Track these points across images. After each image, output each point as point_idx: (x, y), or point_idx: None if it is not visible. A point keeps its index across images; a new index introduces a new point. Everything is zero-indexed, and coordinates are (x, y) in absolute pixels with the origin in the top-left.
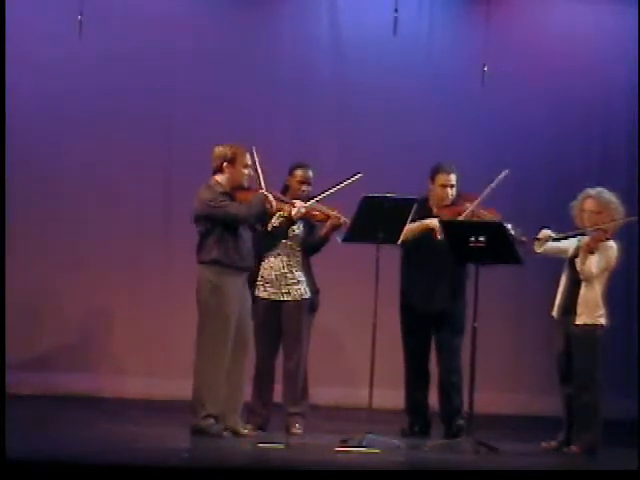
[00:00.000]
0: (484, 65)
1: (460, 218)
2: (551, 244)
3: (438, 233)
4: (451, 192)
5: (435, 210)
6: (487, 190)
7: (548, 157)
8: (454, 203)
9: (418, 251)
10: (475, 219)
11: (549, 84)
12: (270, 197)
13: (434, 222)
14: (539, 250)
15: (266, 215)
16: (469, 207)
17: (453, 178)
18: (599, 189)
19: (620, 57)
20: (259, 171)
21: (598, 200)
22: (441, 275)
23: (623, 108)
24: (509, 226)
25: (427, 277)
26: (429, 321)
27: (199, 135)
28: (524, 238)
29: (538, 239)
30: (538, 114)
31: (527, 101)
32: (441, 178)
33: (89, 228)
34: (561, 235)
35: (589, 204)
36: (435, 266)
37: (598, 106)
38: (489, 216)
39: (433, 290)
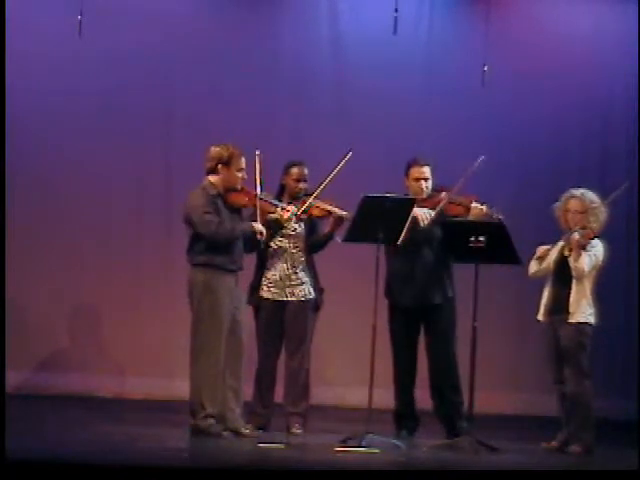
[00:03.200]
0: (484, 65)
1: (438, 208)
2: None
3: (421, 220)
4: (425, 184)
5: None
6: (461, 180)
7: (548, 157)
8: (431, 196)
9: (402, 243)
10: (464, 216)
11: (549, 84)
12: (260, 228)
13: (416, 211)
14: (538, 268)
15: (253, 242)
16: (444, 197)
17: (426, 170)
18: (582, 190)
19: (620, 57)
20: (258, 175)
21: (582, 200)
22: (427, 267)
23: (623, 108)
24: (483, 206)
25: (412, 270)
26: (417, 316)
27: (199, 135)
28: (500, 216)
29: (540, 257)
30: (538, 114)
31: (527, 101)
32: (414, 171)
33: (89, 228)
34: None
35: (573, 204)
36: (420, 258)
37: (598, 105)
38: (464, 202)
39: (419, 283)
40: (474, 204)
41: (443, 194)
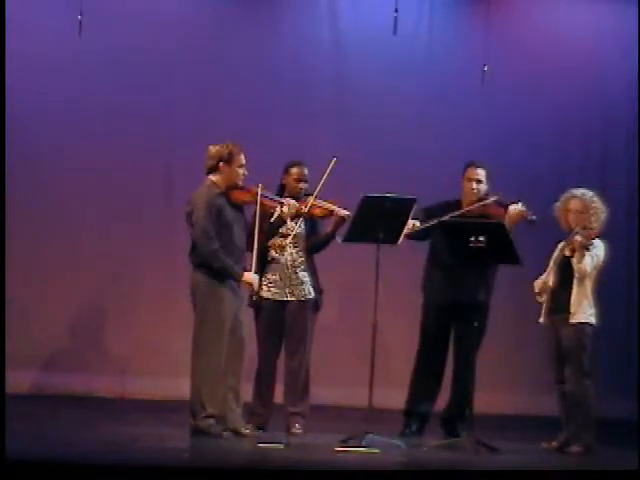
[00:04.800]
0: (484, 65)
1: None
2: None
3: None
4: (476, 186)
5: (465, 206)
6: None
7: (548, 157)
8: (482, 199)
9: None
10: (476, 219)
11: (549, 84)
12: (249, 280)
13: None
14: (542, 299)
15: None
16: (491, 202)
17: (480, 173)
18: (582, 190)
19: (620, 57)
20: (258, 206)
21: (583, 200)
22: (472, 268)
23: (623, 108)
24: (520, 204)
25: (457, 268)
26: (452, 315)
27: (199, 134)
28: (534, 217)
29: (539, 293)
30: (538, 114)
31: (527, 101)
32: (468, 172)
33: (89, 228)
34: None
35: (574, 204)
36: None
37: (598, 106)
38: (505, 202)
39: (461, 282)
40: (512, 205)
41: (492, 198)
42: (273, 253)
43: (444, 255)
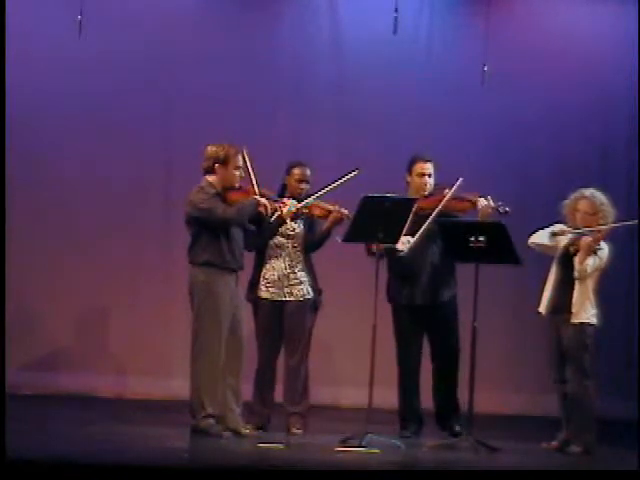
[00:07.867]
0: (484, 65)
1: (440, 205)
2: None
3: (401, 247)
4: (429, 181)
5: (420, 203)
6: (458, 182)
7: (548, 156)
8: (433, 193)
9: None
10: (470, 218)
11: (549, 84)
12: (264, 201)
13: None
14: (547, 243)
15: (258, 218)
16: (448, 193)
17: (429, 167)
18: (592, 190)
19: (620, 56)
20: (250, 172)
21: (592, 201)
22: (433, 266)
23: (623, 108)
24: (489, 198)
25: (418, 269)
26: (423, 315)
27: (199, 135)
28: (507, 209)
29: (555, 233)
30: (538, 114)
31: (527, 101)
32: (417, 168)
33: (89, 228)
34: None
35: (583, 205)
36: (425, 257)
37: (598, 106)
38: (469, 197)
39: (426, 282)
40: (481, 199)
41: (446, 190)
42: (275, 242)
43: (405, 258)
